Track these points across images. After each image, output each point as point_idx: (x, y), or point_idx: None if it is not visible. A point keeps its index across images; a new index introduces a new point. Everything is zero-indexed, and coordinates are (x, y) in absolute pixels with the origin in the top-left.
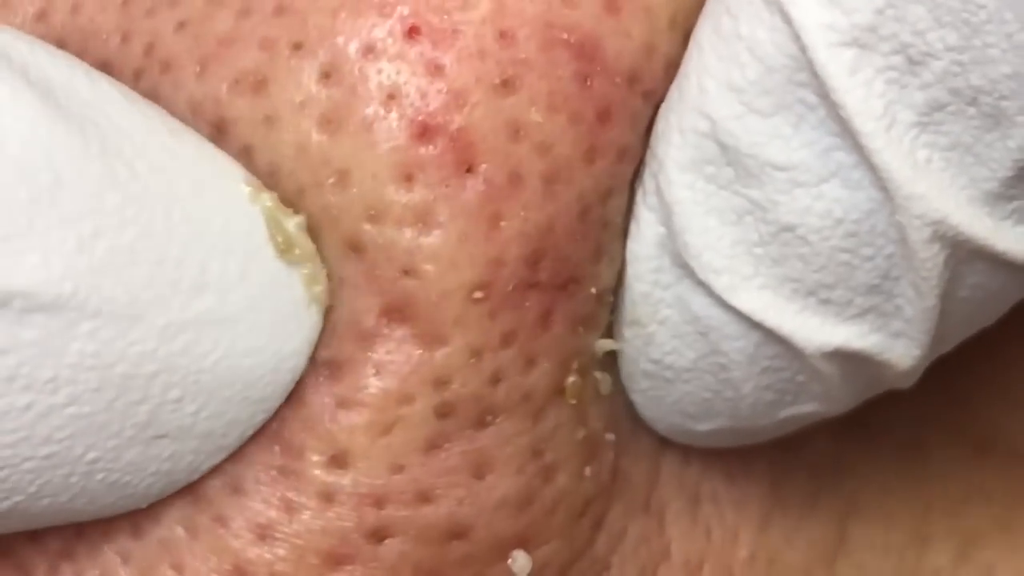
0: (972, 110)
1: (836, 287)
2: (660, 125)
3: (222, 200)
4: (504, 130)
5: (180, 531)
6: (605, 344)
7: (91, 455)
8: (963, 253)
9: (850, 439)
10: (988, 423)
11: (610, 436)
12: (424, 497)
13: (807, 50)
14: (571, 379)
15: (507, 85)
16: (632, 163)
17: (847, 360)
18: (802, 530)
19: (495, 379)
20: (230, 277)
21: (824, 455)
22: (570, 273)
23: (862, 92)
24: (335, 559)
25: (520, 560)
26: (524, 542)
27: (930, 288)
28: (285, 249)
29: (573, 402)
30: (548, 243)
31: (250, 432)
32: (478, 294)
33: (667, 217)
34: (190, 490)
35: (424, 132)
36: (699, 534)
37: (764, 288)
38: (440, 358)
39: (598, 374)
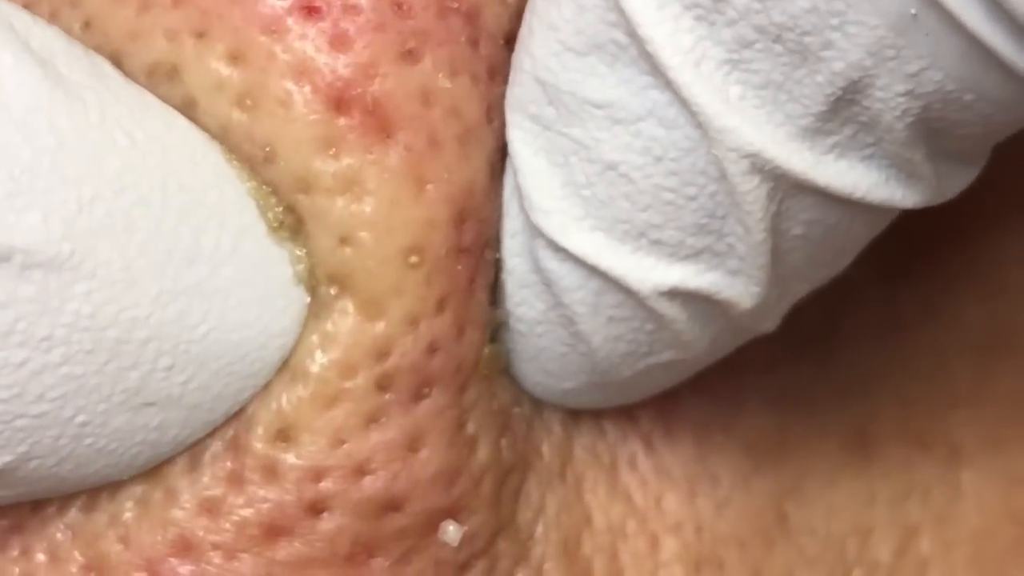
0: (778, 47)
1: (665, 227)
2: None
3: (216, 175)
4: (417, 96)
5: (130, 505)
6: (502, 315)
7: (81, 418)
8: (787, 186)
9: (795, 424)
10: (931, 419)
11: (517, 410)
12: (361, 471)
13: None
14: (486, 349)
15: (412, 54)
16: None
17: (688, 301)
18: (734, 504)
19: (432, 348)
20: (222, 250)
21: (763, 434)
22: (488, 236)
23: (670, 27)
24: (275, 531)
25: (451, 531)
26: (454, 513)
27: (756, 222)
28: (277, 227)
29: (485, 372)
30: (470, 205)
31: (236, 408)
32: (414, 259)
33: (510, 159)
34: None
35: (340, 103)
36: (619, 500)
37: (595, 230)
38: (381, 328)
39: (499, 345)
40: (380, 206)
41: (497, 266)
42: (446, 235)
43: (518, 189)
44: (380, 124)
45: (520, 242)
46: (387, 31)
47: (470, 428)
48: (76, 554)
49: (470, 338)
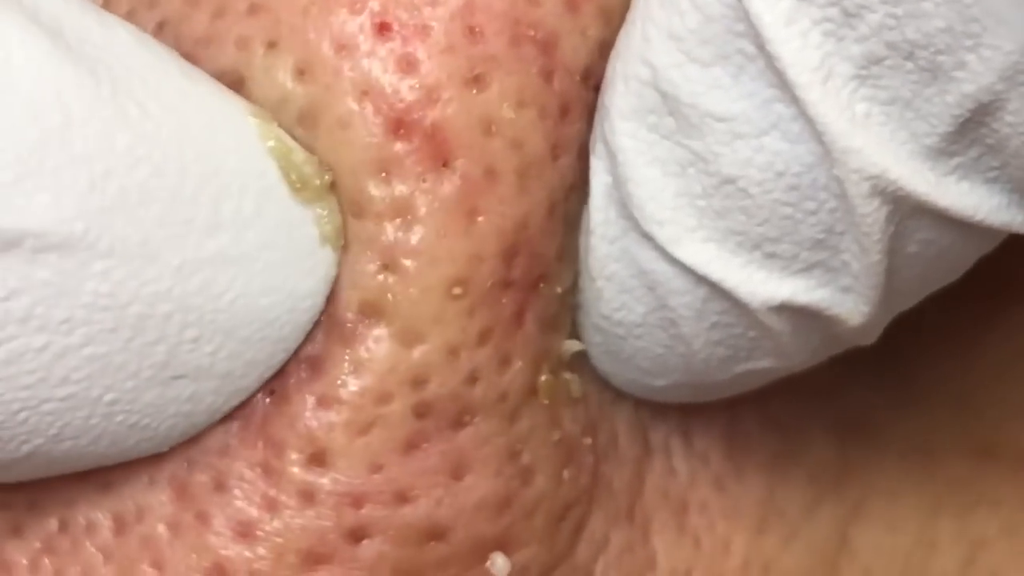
0: (909, 64)
1: (781, 241)
2: (608, 74)
3: (235, 138)
4: (478, 125)
5: (162, 528)
6: (572, 345)
7: (109, 396)
8: (907, 208)
9: (855, 446)
10: (993, 429)
11: (587, 440)
12: (402, 497)
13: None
14: (543, 378)
15: (478, 80)
16: (587, 159)
17: (796, 315)
18: (800, 536)
19: (472, 378)
20: (245, 215)
21: (825, 462)
22: (541, 271)
23: (798, 43)
24: (314, 558)
25: (499, 562)
26: (503, 545)
27: (873, 243)
28: (300, 187)
29: (546, 402)
30: (522, 239)
31: (268, 374)
32: (457, 290)
33: (612, 166)
34: (175, 486)
35: (400, 127)
36: (687, 544)
37: (708, 241)
38: (418, 356)
39: (567, 375)
40: (428, 234)
41: (560, 300)
42: (493, 268)
43: (623, 197)
44: (438, 150)
45: (620, 248)
46: (456, 55)
47: (525, 458)
48: None
49: (517, 369)
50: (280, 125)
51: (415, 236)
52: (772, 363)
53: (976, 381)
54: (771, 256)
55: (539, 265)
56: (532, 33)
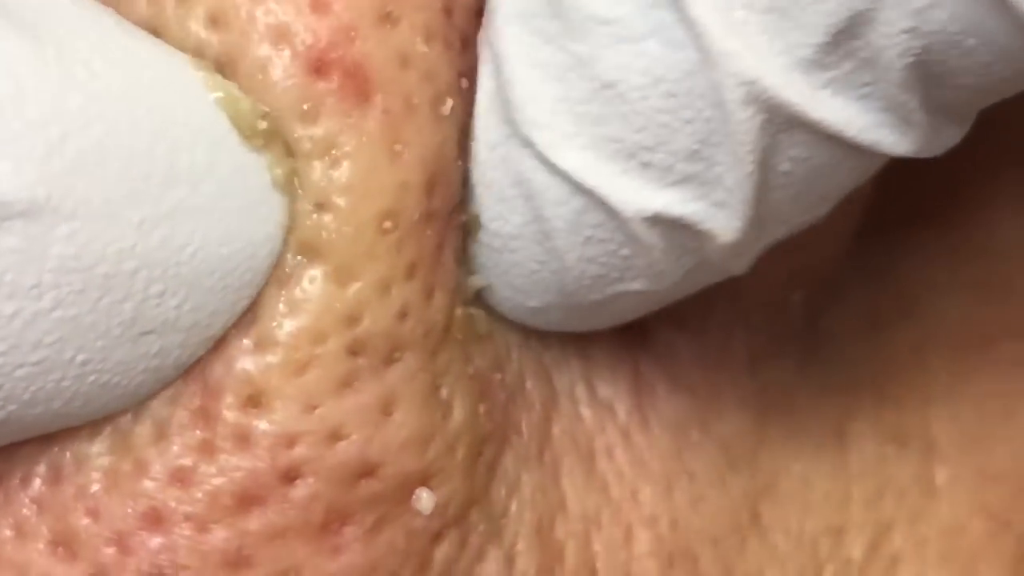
0: None
1: (656, 150)
2: None
3: (182, 91)
4: (395, 60)
5: (98, 476)
6: (476, 280)
7: (81, 357)
8: (780, 120)
9: (774, 425)
10: (907, 417)
11: (498, 376)
12: (335, 435)
13: None
14: (458, 311)
15: (391, 17)
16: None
17: (668, 228)
18: (709, 502)
19: (402, 313)
20: (199, 167)
21: (741, 435)
22: (455, 199)
23: None
24: (248, 500)
25: (424, 498)
26: (427, 479)
27: (746, 153)
28: (249, 135)
29: (459, 337)
30: (439, 169)
31: (233, 321)
32: (388, 224)
33: (496, 70)
34: (116, 436)
35: (320, 67)
36: (595, 488)
37: (586, 148)
38: (352, 294)
39: (473, 311)
40: (357, 171)
41: (464, 229)
42: (418, 200)
43: (504, 102)
44: (359, 87)
45: (500, 155)
46: None
47: (444, 392)
48: (44, 529)
49: (439, 303)
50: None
51: (345, 173)
52: (644, 285)
53: (893, 369)
54: (646, 165)
55: (453, 194)
56: None
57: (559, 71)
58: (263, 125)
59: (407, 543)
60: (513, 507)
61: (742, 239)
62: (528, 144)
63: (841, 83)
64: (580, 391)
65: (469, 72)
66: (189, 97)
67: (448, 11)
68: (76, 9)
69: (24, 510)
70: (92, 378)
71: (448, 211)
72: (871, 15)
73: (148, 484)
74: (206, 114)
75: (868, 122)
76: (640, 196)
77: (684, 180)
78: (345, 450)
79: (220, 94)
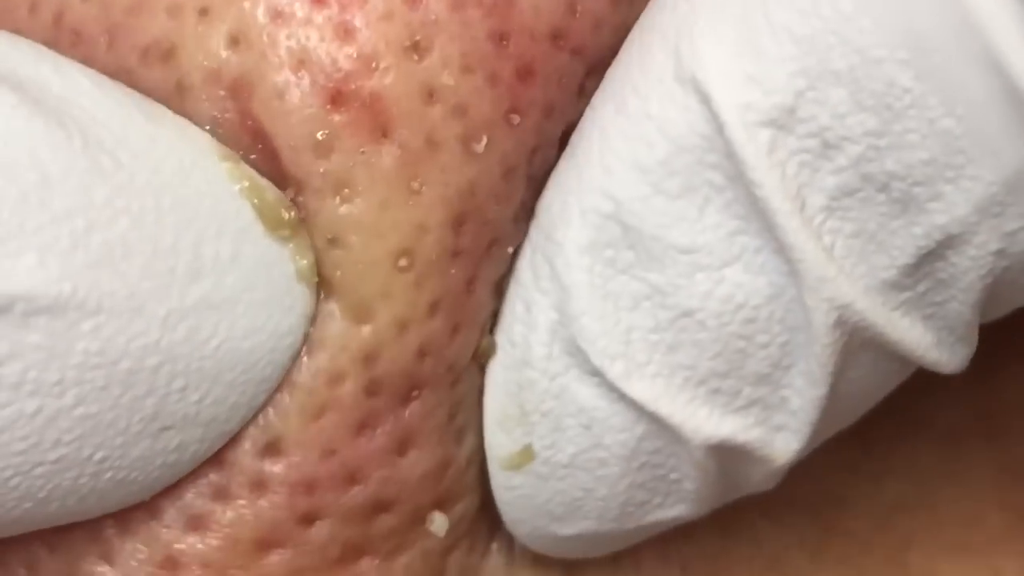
0: (882, 196)
1: (728, 376)
2: (556, 207)
3: (207, 181)
4: (418, 93)
5: (110, 522)
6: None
7: (99, 455)
8: (857, 342)
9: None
10: (927, 401)
11: None
12: (352, 479)
13: (724, 128)
14: (484, 341)
15: (418, 47)
16: (561, 121)
17: (728, 453)
18: None
19: (422, 353)
20: (224, 259)
21: (704, 554)
22: (493, 235)
23: (778, 172)
24: (267, 544)
25: (437, 520)
26: (441, 504)
27: (825, 375)
28: (275, 226)
29: (482, 363)
30: (470, 207)
31: (251, 415)
32: (403, 262)
33: (563, 301)
34: None
35: (337, 98)
36: None
37: (657, 376)
38: (368, 333)
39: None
40: (370, 208)
41: (510, 259)
42: (439, 238)
43: (571, 333)
44: (376, 121)
45: (560, 385)
46: (394, 22)
47: (459, 419)
48: (57, 572)
49: (464, 339)
50: (211, 96)
51: (357, 209)
52: (683, 510)
53: None
54: (715, 392)
55: (490, 230)
56: None
57: (632, 300)
58: (289, 215)
59: (423, 564)
60: None
61: (792, 460)
62: (595, 374)
63: (912, 304)
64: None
65: (528, 107)
66: (214, 186)
67: (500, 39)
68: (99, 94)
69: (35, 551)
70: (109, 475)
71: (484, 246)
72: (964, 238)
73: (163, 532)
74: (231, 204)
75: (931, 341)
76: (708, 423)
77: (749, 405)
78: (362, 492)
79: (246, 184)
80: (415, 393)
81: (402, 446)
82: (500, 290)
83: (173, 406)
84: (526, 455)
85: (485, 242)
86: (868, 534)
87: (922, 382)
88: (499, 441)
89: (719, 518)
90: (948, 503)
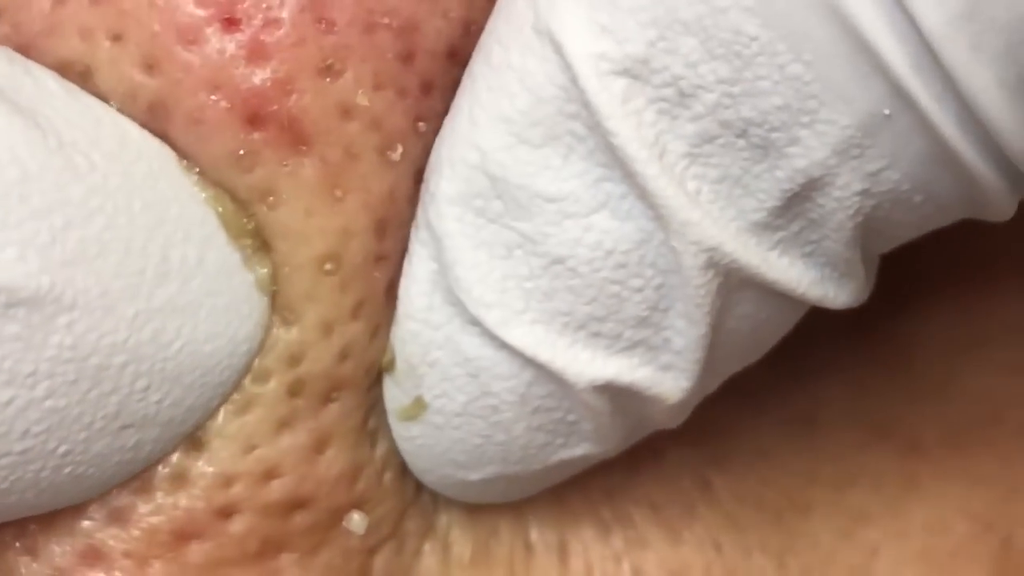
0: (742, 142)
1: (607, 320)
2: (432, 159)
3: (173, 187)
4: (334, 111)
5: (32, 517)
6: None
7: (63, 448)
8: (734, 281)
9: (729, 405)
10: (889, 411)
11: None
12: (270, 475)
13: (578, 79)
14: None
15: (331, 69)
16: None
17: (617, 395)
18: (665, 468)
19: (344, 355)
20: (189, 263)
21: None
22: (409, 239)
23: (633, 121)
24: (185, 536)
25: (356, 520)
26: (359, 505)
27: (703, 315)
28: (237, 234)
29: (389, 370)
30: (391, 212)
31: (206, 419)
32: (329, 266)
33: (438, 252)
34: None
35: (255, 119)
36: None
37: (535, 323)
38: (295, 334)
39: None
40: (295, 215)
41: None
42: (363, 243)
43: (447, 284)
44: (295, 138)
45: (444, 335)
46: (307, 46)
47: (372, 423)
48: None
49: (382, 340)
50: (129, 116)
51: (282, 217)
52: (588, 449)
53: (877, 361)
54: (596, 335)
55: (407, 234)
56: (387, 21)
57: (505, 250)
58: (250, 225)
59: (344, 561)
60: (442, 502)
61: (687, 399)
62: (475, 323)
63: (789, 243)
64: None
65: (431, 115)
66: (180, 192)
67: (405, 59)
68: (68, 97)
69: None
70: (68, 469)
71: (402, 252)
72: (827, 180)
73: (86, 523)
74: (197, 210)
75: (813, 278)
76: (591, 366)
77: (633, 346)
78: (279, 488)
79: (211, 192)
80: (335, 395)
81: (320, 444)
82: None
83: (135, 405)
84: (418, 406)
85: (403, 246)
86: (832, 543)
87: (885, 389)
88: (392, 394)
89: (675, 524)
90: (912, 512)
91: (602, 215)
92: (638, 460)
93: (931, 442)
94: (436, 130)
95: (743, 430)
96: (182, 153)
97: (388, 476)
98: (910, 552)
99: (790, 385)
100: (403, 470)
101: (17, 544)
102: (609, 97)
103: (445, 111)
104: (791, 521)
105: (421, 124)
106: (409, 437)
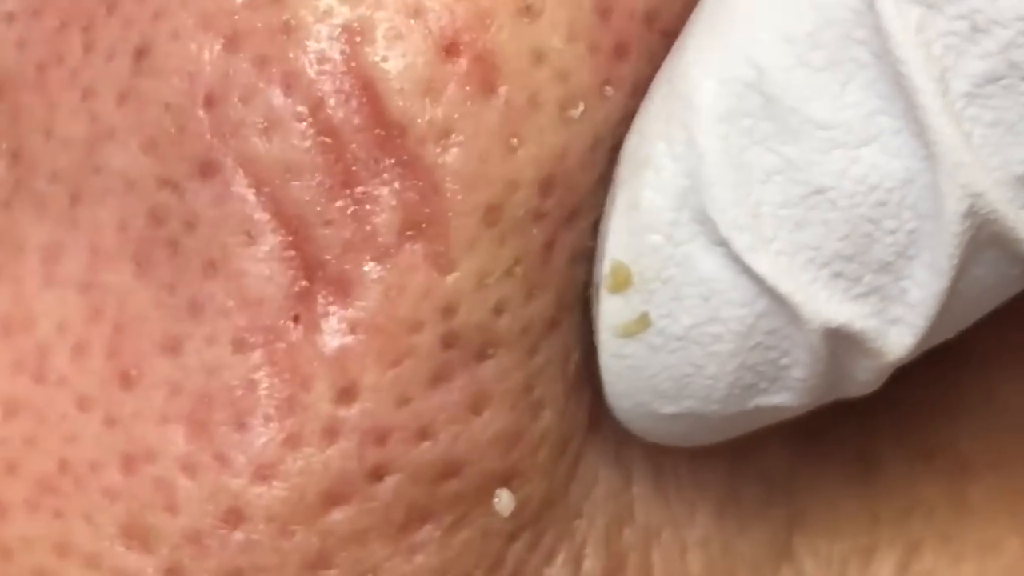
0: None
1: (852, 260)
2: (696, 73)
3: None
4: (527, 53)
5: (177, 470)
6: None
7: None
8: (983, 237)
9: (803, 452)
10: (932, 434)
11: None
12: (424, 433)
13: (875, 3)
14: (577, 317)
15: (531, 10)
16: (640, 100)
17: (840, 343)
18: (753, 528)
19: (499, 309)
20: None
21: (777, 464)
22: (576, 203)
23: (923, 52)
24: (333, 498)
25: (504, 498)
26: (509, 480)
27: (950, 267)
28: None
29: (565, 337)
30: (560, 171)
31: None
32: (491, 216)
33: (695, 168)
34: (192, 424)
35: (451, 48)
36: (660, 500)
37: (781, 254)
38: (451, 283)
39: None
40: (468, 158)
41: (591, 231)
42: (527, 197)
43: (702, 200)
44: (486, 76)
45: (684, 252)
46: None
47: (536, 392)
48: (116, 520)
49: (541, 303)
50: (319, 37)
51: (456, 159)
52: (785, 399)
53: (923, 387)
54: (837, 276)
55: (574, 198)
56: None
57: (764, 174)
58: None
59: (483, 544)
60: (586, 508)
61: (903, 357)
62: (722, 244)
63: None
64: None
65: (620, 81)
66: None
67: (604, 13)
68: None
69: (96, 501)
70: None
71: (566, 213)
72: None
73: (230, 481)
74: None
75: None
76: (828, 307)
77: (869, 293)
78: (432, 449)
79: None
80: (491, 351)
81: (476, 404)
82: (575, 262)
83: None
84: (642, 323)
85: (567, 209)
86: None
87: (929, 410)
88: (614, 307)
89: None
90: (965, 536)
91: (872, 149)
92: (748, 518)
93: (977, 460)
94: (623, 100)
95: (816, 478)
96: (365, 78)
97: (544, 453)
98: (966, 575)
99: (846, 421)
100: (560, 452)
101: (159, 499)
102: (903, 24)
103: (635, 82)
104: (855, 568)
105: (608, 88)
106: (621, 356)
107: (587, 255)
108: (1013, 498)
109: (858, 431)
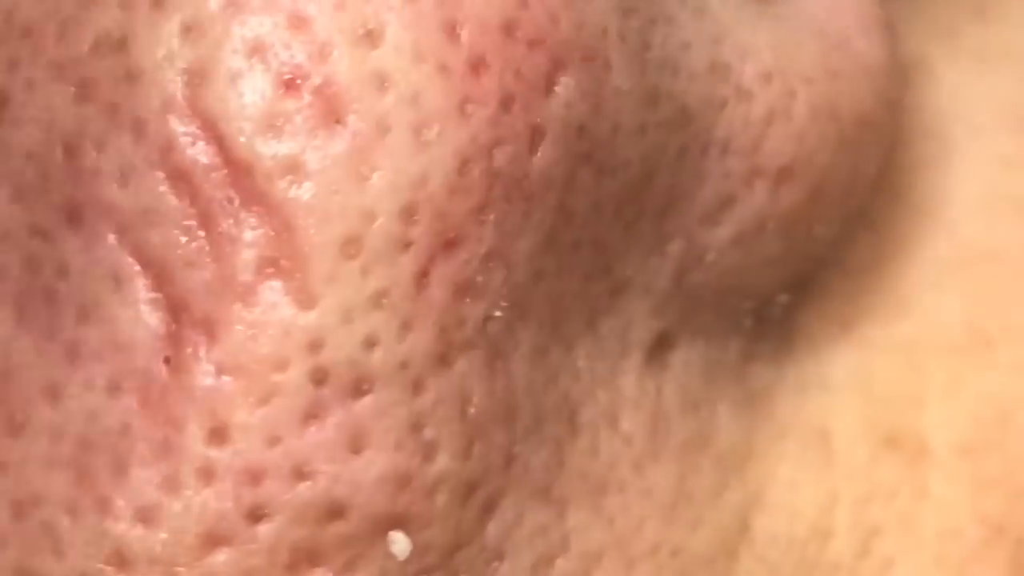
0: None
1: None
2: None
3: None
4: (370, 80)
5: (62, 514)
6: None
7: None
8: None
9: (760, 431)
10: (896, 418)
11: (506, 416)
12: (299, 473)
13: None
14: (459, 353)
15: (371, 36)
16: (524, 115)
17: None
18: (706, 522)
19: (369, 342)
20: None
21: (734, 447)
22: (449, 232)
23: None
24: (214, 540)
25: (400, 542)
26: (403, 523)
27: None
28: None
29: (462, 372)
30: (421, 197)
31: None
32: (350, 249)
33: None
34: (75, 468)
35: (290, 83)
36: (601, 524)
37: None
38: (313, 318)
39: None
40: (319, 191)
41: (478, 269)
42: (387, 226)
43: None
44: (328, 107)
45: None
46: (347, 10)
47: (428, 433)
48: (5, 567)
49: (419, 336)
50: (162, 82)
51: (306, 193)
52: None
53: (882, 367)
54: None
55: (447, 226)
56: None
57: None
58: None
59: None
60: (509, 548)
61: None
62: None
63: None
64: (602, 424)
65: (483, 98)
66: None
67: (450, 30)
68: None
69: None
70: None
71: (440, 243)
72: None
73: (112, 524)
74: None
75: None
76: None
77: None
78: (310, 489)
79: None
80: (366, 386)
81: (354, 442)
82: (460, 296)
83: None
84: None
85: (440, 238)
86: (851, 564)
87: (891, 394)
88: None
89: None
90: (925, 522)
91: None
92: (701, 512)
93: (940, 448)
94: (493, 116)
95: (774, 459)
96: (208, 118)
97: (442, 499)
98: (926, 561)
99: (802, 397)
100: (465, 496)
101: (46, 544)
102: None
103: (504, 96)
104: (813, 552)
105: (469, 106)
106: None
107: (478, 290)
108: (973, 486)
109: (817, 411)
